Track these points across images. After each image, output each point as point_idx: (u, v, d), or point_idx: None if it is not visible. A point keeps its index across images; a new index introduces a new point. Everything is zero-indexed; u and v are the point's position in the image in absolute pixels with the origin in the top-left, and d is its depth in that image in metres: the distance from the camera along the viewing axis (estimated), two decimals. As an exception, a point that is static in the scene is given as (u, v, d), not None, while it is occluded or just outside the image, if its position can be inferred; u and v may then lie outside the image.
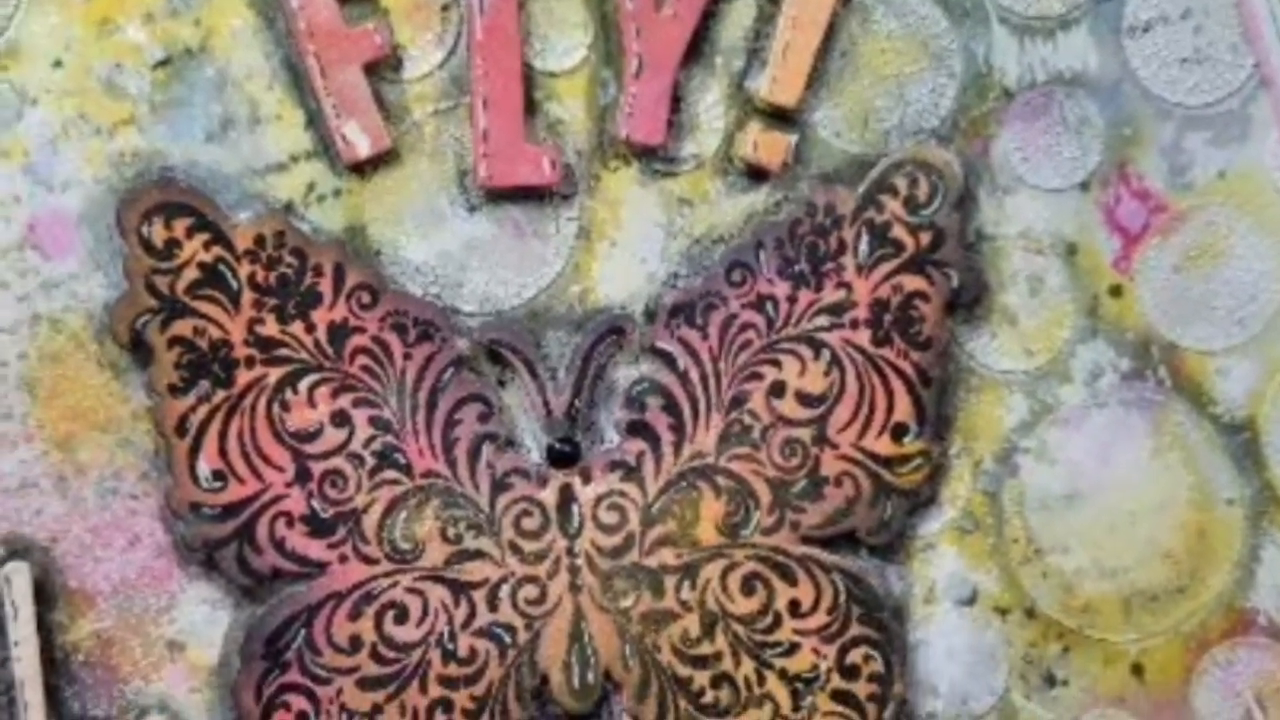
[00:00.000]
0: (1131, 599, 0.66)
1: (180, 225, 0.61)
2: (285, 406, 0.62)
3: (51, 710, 0.63)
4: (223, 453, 0.62)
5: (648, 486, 0.63)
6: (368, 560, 0.62)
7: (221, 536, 0.62)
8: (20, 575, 0.62)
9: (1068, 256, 0.65)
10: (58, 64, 0.62)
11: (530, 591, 0.63)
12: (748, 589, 0.63)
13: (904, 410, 0.64)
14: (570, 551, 0.63)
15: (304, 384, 0.62)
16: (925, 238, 0.63)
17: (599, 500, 0.63)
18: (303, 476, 0.62)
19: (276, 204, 0.62)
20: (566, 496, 0.63)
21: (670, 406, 0.63)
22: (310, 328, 0.62)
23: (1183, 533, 0.66)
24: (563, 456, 0.63)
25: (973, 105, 0.65)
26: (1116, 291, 0.66)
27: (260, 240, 0.62)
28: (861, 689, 0.64)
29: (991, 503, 0.65)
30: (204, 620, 0.63)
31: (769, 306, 0.63)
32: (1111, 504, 0.66)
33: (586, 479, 0.63)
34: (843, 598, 0.64)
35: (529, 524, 0.63)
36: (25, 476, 0.62)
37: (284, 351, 0.62)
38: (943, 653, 0.65)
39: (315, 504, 0.62)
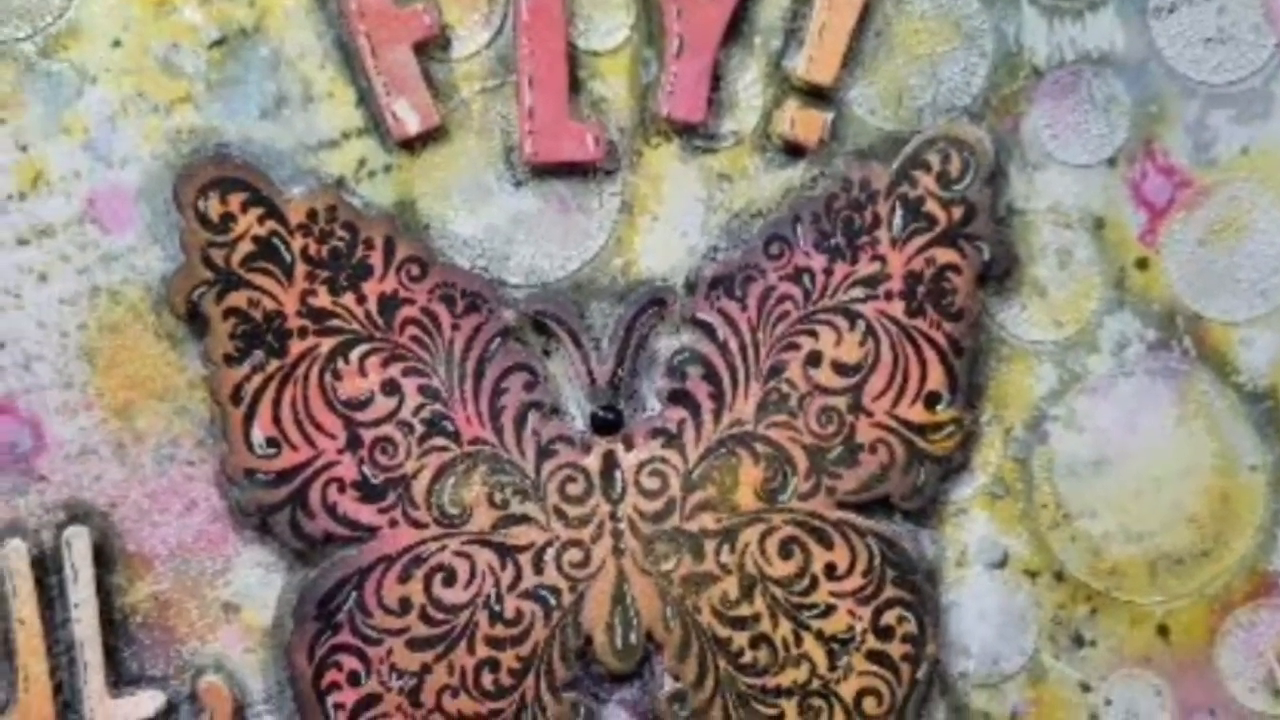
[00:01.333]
0: (1157, 562, 0.67)
1: (235, 200, 0.63)
2: (337, 375, 0.64)
3: (110, 670, 0.64)
4: (276, 420, 0.63)
5: (688, 453, 0.65)
6: (417, 524, 0.64)
7: (275, 501, 0.64)
8: (80, 539, 0.63)
9: (1095, 230, 0.66)
10: (117, 44, 0.63)
11: (575, 555, 0.64)
12: (785, 552, 0.65)
13: (937, 379, 0.65)
14: (613, 516, 0.65)
15: (355, 354, 0.64)
16: (957, 212, 0.65)
17: (641, 466, 0.65)
18: (354, 443, 0.64)
19: (328, 179, 0.64)
20: (610, 463, 0.65)
21: (710, 375, 0.65)
22: (361, 299, 0.63)
23: (1207, 498, 0.67)
24: (606, 424, 0.64)
25: (1003, 84, 0.66)
26: (1143, 264, 0.67)
27: (313, 214, 0.63)
28: (896, 649, 0.65)
29: (1021, 469, 0.67)
30: (258, 583, 0.64)
31: (806, 279, 0.65)
32: (1138, 470, 0.67)
33: (629, 446, 0.65)
34: (877, 561, 0.65)
35: (573, 489, 0.64)
36: (85, 443, 0.64)
37: (336, 322, 0.63)
38: (974, 614, 0.67)
39: (366, 470, 0.64)
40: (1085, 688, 0.67)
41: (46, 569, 0.64)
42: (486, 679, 0.64)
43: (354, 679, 0.64)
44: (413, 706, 0.64)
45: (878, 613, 0.65)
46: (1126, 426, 0.67)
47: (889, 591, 0.65)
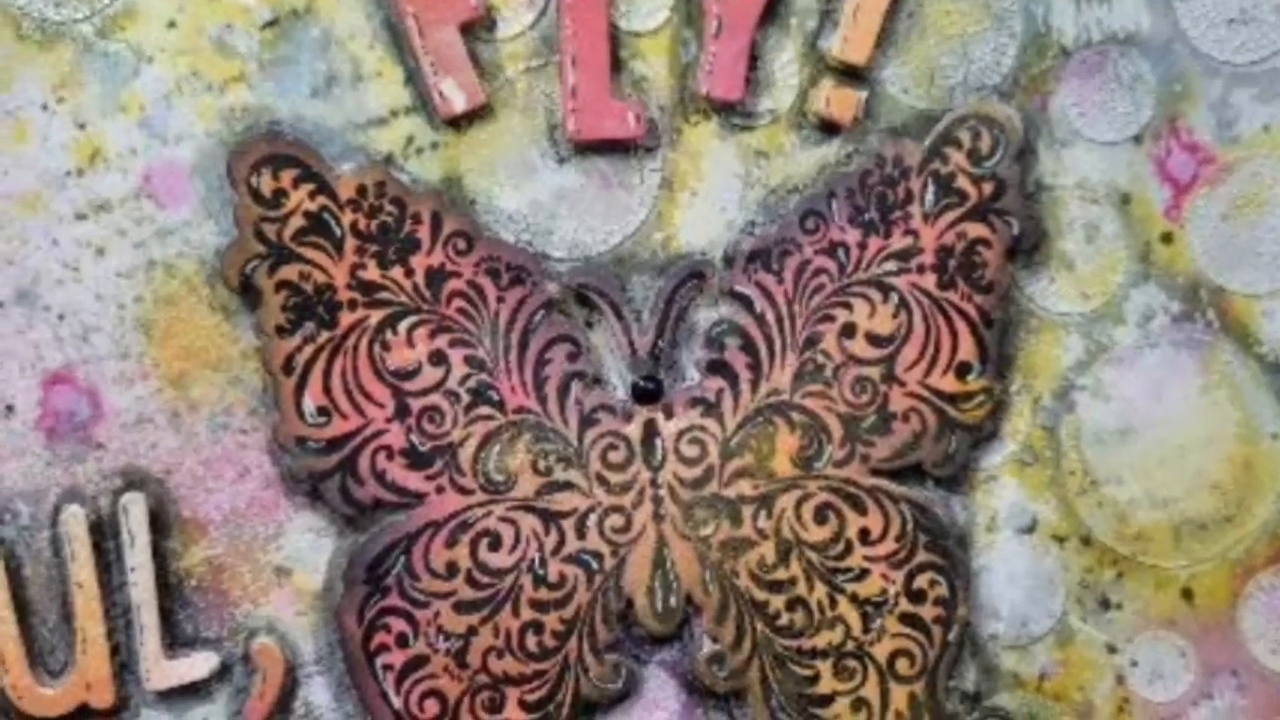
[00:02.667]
0: (1181, 527, 0.68)
1: (287, 176, 0.65)
2: (385, 346, 0.65)
3: (166, 632, 0.65)
4: (327, 390, 0.65)
5: (726, 422, 0.66)
6: (463, 491, 0.66)
7: (326, 469, 0.65)
8: (137, 505, 0.65)
9: (1121, 206, 0.68)
10: (172, 25, 0.65)
11: (616, 520, 0.66)
12: (820, 518, 0.67)
13: (968, 350, 0.67)
14: (654, 483, 0.66)
15: (403, 325, 0.65)
16: (988, 188, 0.66)
17: (681, 435, 0.66)
18: (402, 412, 0.65)
19: (377, 156, 0.65)
20: (650, 431, 0.66)
21: (748, 346, 0.66)
22: (409, 272, 0.65)
23: (1230, 465, 0.68)
24: (646, 393, 0.66)
25: (1032, 63, 0.67)
26: (1167, 239, 0.68)
27: (362, 190, 0.65)
28: (928, 612, 0.67)
29: (1050, 437, 0.68)
30: (309, 547, 0.66)
31: (840, 252, 0.66)
32: (1163, 438, 0.68)
33: (669, 415, 0.66)
34: (910, 526, 0.67)
35: (615, 457, 0.66)
36: (141, 412, 0.65)
37: (384, 295, 0.65)
38: (1004, 578, 0.68)
39: (414, 438, 0.65)
40: (1111, 649, 0.69)
41: (104, 534, 0.65)
42: (531, 641, 0.66)
43: (402, 641, 0.66)
44: (459, 667, 0.66)
45: (910, 576, 0.67)
46: (1152, 396, 0.68)
47: (921, 556, 0.67)
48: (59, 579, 0.65)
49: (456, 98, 0.65)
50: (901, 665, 0.67)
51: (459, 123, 0.66)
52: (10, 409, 0.65)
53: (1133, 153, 0.68)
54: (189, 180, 0.65)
